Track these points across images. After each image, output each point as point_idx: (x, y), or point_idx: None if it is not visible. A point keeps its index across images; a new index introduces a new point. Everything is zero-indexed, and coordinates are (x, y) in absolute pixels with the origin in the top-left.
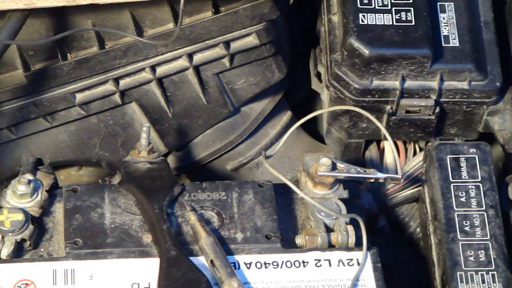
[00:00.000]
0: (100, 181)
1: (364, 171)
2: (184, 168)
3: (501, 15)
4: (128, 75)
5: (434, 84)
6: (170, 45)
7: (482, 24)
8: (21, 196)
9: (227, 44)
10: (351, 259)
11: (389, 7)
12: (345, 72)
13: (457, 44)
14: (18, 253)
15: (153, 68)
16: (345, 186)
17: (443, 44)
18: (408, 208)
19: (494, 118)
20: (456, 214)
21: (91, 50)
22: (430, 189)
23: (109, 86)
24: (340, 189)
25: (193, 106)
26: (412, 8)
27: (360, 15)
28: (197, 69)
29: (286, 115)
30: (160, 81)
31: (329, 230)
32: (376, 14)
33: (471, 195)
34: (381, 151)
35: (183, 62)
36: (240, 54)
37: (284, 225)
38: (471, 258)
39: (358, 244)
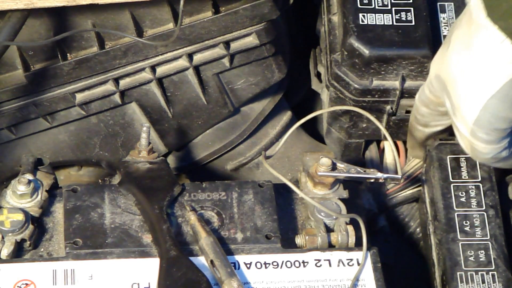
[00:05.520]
0: (100, 181)
1: (364, 171)
2: (184, 168)
3: None
4: (128, 75)
5: None
6: (170, 45)
7: None
8: (21, 196)
9: (227, 44)
10: (351, 259)
11: (389, 7)
12: (345, 72)
13: None
14: (18, 253)
15: (153, 68)
16: (345, 186)
17: None
18: (408, 208)
19: None
20: (456, 214)
21: (91, 50)
22: (430, 189)
23: (109, 86)
24: (340, 189)
25: (193, 106)
26: (412, 8)
27: (360, 15)
28: (197, 69)
29: (286, 115)
30: (160, 81)
31: (329, 230)
32: (376, 14)
33: (471, 195)
34: (381, 151)
35: (183, 62)
36: (240, 54)
37: (284, 225)
38: (471, 258)
39: (358, 244)
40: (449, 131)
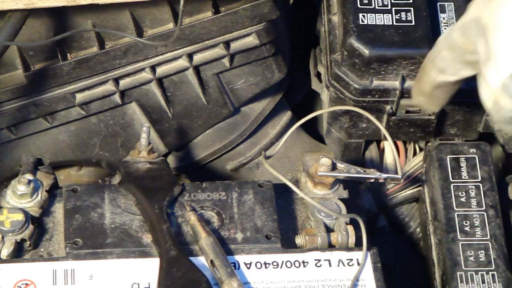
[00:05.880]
0: (100, 181)
1: (364, 171)
2: (184, 168)
3: None
4: (128, 75)
5: None
6: (170, 45)
7: None
8: (21, 196)
9: (227, 44)
10: (351, 259)
11: (389, 7)
12: (345, 72)
13: None
14: (18, 253)
15: (153, 68)
16: (345, 186)
17: None
18: (408, 208)
19: None
20: (456, 214)
21: (91, 50)
22: (430, 189)
23: (109, 86)
24: (340, 189)
25: (193, 106)
26: (412, 8)
27: (360, 15)
28: (197, 69)
29: (286, 115)
30: (160, 81)
31: (329, 230)
32: (376, 14)
33: (471, 195)
34: (381, 151)
35: (183, 62)
36: (240, 54)
37: (284, 225)
38: (471, 258)
39: (358, 244)
40: (456, 89)
